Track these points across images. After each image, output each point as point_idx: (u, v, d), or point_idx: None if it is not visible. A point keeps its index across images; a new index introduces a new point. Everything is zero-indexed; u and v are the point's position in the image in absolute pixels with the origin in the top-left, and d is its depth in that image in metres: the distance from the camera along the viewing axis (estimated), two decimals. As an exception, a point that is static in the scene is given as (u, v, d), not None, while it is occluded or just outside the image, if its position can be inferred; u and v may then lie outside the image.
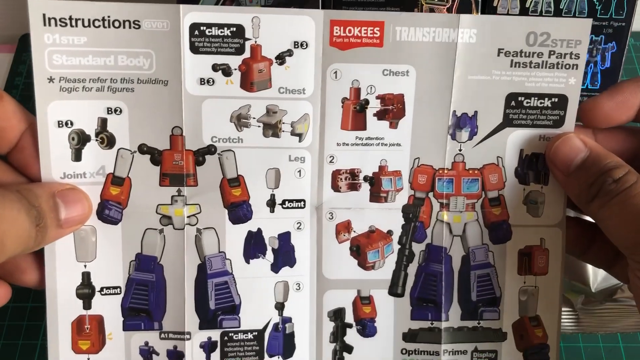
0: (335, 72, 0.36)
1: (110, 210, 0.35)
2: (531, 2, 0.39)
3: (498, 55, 0.35)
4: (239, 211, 0.36)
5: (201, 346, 0.37)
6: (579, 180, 0.35)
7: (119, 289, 0.36)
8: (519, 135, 0.37)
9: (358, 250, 0.37)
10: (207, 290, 0.36)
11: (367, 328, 0.38)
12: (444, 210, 0.37)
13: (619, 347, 0.47)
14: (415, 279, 0.38)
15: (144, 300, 0.36)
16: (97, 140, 0.35)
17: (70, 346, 0.36)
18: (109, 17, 0.33)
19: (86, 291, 0.36)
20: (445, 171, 0.37)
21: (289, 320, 0.38)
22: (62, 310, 0.35)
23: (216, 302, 0.37)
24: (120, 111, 0.35)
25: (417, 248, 0.38)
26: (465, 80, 0.36)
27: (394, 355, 0.38)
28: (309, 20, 0.35)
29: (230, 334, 0.37)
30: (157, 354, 0.37)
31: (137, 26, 0.34)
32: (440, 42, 0.35)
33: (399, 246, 0.38)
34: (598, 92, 0.36)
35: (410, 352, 0.38)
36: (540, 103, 0.36)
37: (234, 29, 0.34)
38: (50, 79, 0.33)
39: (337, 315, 0.38)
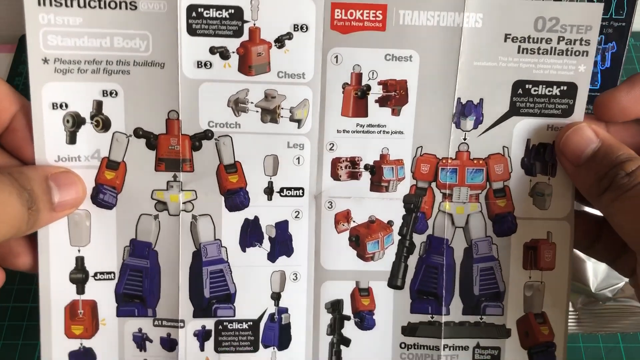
0: (336, 57, 0.35)
1: (104, 194, 0.35)
2: None
3: (505, 40, 0.34)
4: (235, 198, 0.35)
5: (195, 334, 0.36)
6: (589, 172, 0.33)
7: (112, 275, 0.36)
8: (526, 125, 0.35)
9: (357, 241, 0.36)
10: (201, 278, 0.36)
11: (365, 321, 0.37)
12: (447, 200, 0.36)
13: (619, 347, 0.46)
14: (415, 271, 0.37)
15: (138, 287, 0.36)
16: (92, 123, 0.34)
17: (64, 331, 0.35)
18: None
19: (80, 276, 0.35)
20: (449, 161, 0.36)
21: (285, 310, 0.37)
22: (55, 294, 0.35)
23: (211, 291, 0.36)
24: (116, 94, 0.34)
25: (418, 239, 0.37)
26: (470, 67, 0.34)
27: (393, 349, 0.37)
28: (309, 2, 0.34)
29: (224, 323, 0.36)
30: (151, 341, 0.36)
31: (133, 7, 0.33)
32: (445, 27, 0.34)
33: (400, 237, 0.37)
34: (598, 92, 0.36)
35: (410, 346, 0.37)
36: (549, 91, 0.35)
37: (232, 10, 0.34)
38: (45, 60, 0.33)
39: (335, 307, 0.37)
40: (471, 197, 0.36)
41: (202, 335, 0.36)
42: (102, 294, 0.36)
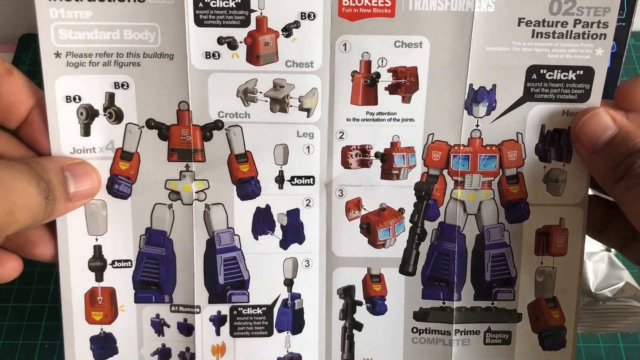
0: (345, 44, 0.34)
1: (119, 184, 0.35)
2: None
3: (518, 25, 0.33)
4: (247, 187, 0.36)
5: (211, 319, 0.37)
6: (605, 159, 0.33)
7: (129, 262, 0.37)
8: (541, 110, 0.35)
9: (368, 228, 0.37)
10: (216, 265, 0.36)
11: (377, 306, 0.38)
12: (459, 188, 0.36)
13: (619, 347, 0.46)
14: (427, 258, 0.37)
15: (154, 274, 0.37)
16: (105, 115, 0.35)
17: (84, 317, 0.37)
18: None
19: (98, 264, 0.36)
20: (461, 147, 0.36)
21: (298, 296, 0.38)
22: (75, 282, 0.36)
23: (225, 277, 0.37)
24: (128, 86, 0.34)
25: (430, 226, 0.37)
26: (483, 52, 0.34)
27: (405, 334, 0.38)
28: None
29: (239, 309, 0.37)
30: (168, 326, 0.37)
31: None
32: (456, 12, 0.33)
33: (411, 224, 0.37)
34: None
35: (421, 331, 0.38)
36: (564, 76, 0.34)
37: (239, 0, 0.33)
38: (57, 54, 0.33)
39: (347, 292, 0.38)
40: (483, 184, 0.36)
41: (217, 320, 0.37)
42: (120, 281, 0.37)
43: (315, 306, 0.38)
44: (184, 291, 0.37)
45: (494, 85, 0.34)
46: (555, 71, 0.34)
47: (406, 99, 0.35)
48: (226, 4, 0.33)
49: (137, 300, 0.37)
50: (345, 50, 0.34)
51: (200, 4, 0.33)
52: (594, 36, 0.33)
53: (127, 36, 0.34)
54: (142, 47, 0.34)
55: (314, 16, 0.34)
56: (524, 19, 0.33)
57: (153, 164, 0.35)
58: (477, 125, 0.35)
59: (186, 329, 0.37)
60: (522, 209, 0.36)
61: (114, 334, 0.37)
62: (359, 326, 0.38)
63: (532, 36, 0.33)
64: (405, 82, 0.35)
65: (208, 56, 0.34)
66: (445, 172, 0.36)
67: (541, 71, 0.34)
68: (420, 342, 0.38)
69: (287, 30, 0.34)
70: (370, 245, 0.37)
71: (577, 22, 0.33)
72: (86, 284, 0.36)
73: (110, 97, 0.35)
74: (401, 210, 0.37)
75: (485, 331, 0.38)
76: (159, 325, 0.37)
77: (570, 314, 0.37)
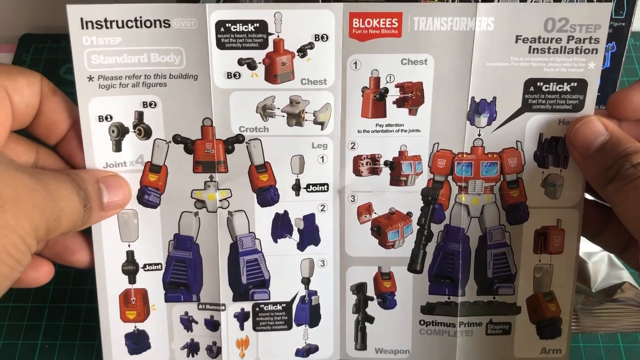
0: (355, 63, 0.37)
1: (149, 195, 0.38)
2: (531, 3, 0.39)
3: (516, 42, 0.36)
4: (266, 195, 0.39)
5: (235, 316, 0.41)
6: (596, 163, 0.35)
7: (160, 266, 0.40)
8: (538, 120, 0.38)
9: (379, 231, 0.40)
10: (239, 267, 0.40)
11: (387, 301, 0.41)
12: (463, 193, 0.39)
13: (619, 347, 0.46)
14: (433, 257, 0.40)
15: (182, 275, 0.40)
16: (134, 132, 0.38)
17: (119, 316, 0.40)
18: (140, 17, 0.35)
19: (131, 267, 0.39)
20: (464, 155, 0.38)
21: (314, 293, 0.41)
22: (110, 285, 0.39)
23: (247, 277, 0.40)
24: (155, 105, 0.37)
25: (436, 229, 0.40)
26: (483, 67, 0.37)
27: (413, 326, 0.41)
28: (329, 13, 0.36)
29: (261, 305, 0.41)
30: (196, 323, 0.41)
31: (167, 25, 0.36)
32: (458, 31, 0.36)
33: (418, 227, 0.40)
34: (598, 92, 0.37)
35: (428, 323, 0.41)
36: (560, 88, 0.37)
37: (257, 24, 0.36)
38: (90, 78, 0.36)
39: (359, 289, 0.41)
40: (485, 189, 0.39)
41: (241, 317, 0.41)
42: (151, 282, 0.40)
43: (330, 302, 0.41)
44: (210, 291, 0.40)
45: (494, 98, 0.37)
46: (551, 83, 0.37)
47: (413, 112, 0.38)
48: (245, 28, 0.36)
49: (167, 299, 0.40)
50: (355, 68, 0.37)
51: (222, 29, 0.36)
52: (586, 51, 0.36)
53: (154, 59, 0.36)
54: (168, 69, 0.37)
55: (327, 38, 0.36)
56: (520, 36, 0.36)
57: (180, 175, 0.38)
58: (479, 135, 0.38)
59: (213, 325, 0.41)
60: (522, 211, 0.39)
61: (147, 331, 0.41)
62: (370, 319, 0.41)
63: (529, 52, 0.36)
64: (411, 96, 0.38)
65: (229, 76, 0.37)
66: (450, 178, 0.39)
67: (538, 84, 0.37)
68: (427, 333, 0.41)
69: (302, 51, 0.37)
70: (380, 246, 0.40)
71: (570, 38, 0.36)
72: (120, 286, 0.40)
73: (140, 115, 0.38)
74: (409, 214, 0.40)
75: (487, 323, 0.41)
76: (187, 322, 0.41)
77: (566, 306, 0.40)
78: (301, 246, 0.40)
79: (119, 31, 0.36)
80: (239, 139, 0.38)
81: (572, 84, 0.37)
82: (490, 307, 0.41)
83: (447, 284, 0.40)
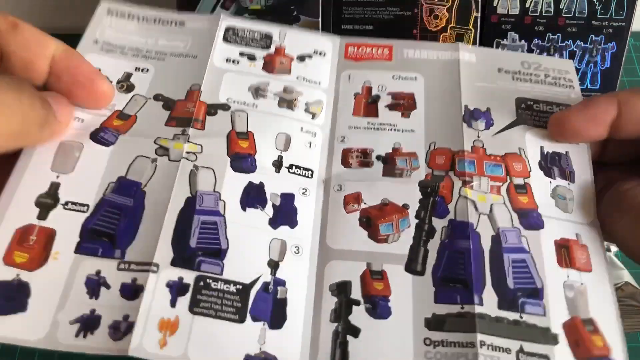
0: (349, 75, 0.39)
1: (105, 133, 0.33)
2: (531, 2, 0.43)
3: (499, 72, 0.39)
4: (242, 162, 0.33)
5: (168, 285, 0.28)
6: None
7: (86, 207, 0.30)
8: (537, 133, 0.36)
9: (368, 222, 0.33)
10: (191, 226, 0.30)
11: (378, 307, 0.30)
12: (467, 187, 0.34)
13: None
14: (437, 257, 0.32)
15: (111, 224, 0.30)
16: (117, 86, 0.35)
17: (3, 254, 0.28)
18: (160, 18, 0.39)
19: (48, 201, 0.30)
20: (466, 153, 0.35)
21: (282, 283, 0.30)
22: (12, 212, 0.29)
23: (198, 241, 0.30)
24: (147, 71, 0.36)
25: (439, 224, 0.33)
26: (472, 86, 0.38)
27: (415, 345, 0.29)
28: (327, 41, 0.40)
29: (207, 280, 0.29)
30: (108, 287, 0.28)
31: (182, 25, 0.39)
32: (444, 60, 0.40)
33: (417, 221, 0.33)
34: (598, 92, 0.37)
35: (437, 344, 0.29)
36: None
37: (263, 34, 0.39)
38: (96, 41, 0.37)
39: (341, 289, 0.30)
40: (492, 188, 0.34)
41: (176, 288, 0.28)
42: (66, 225, 0.29)
43: (301, 300, 0.30)
44: (143, 247, 0.29)
45: (488, 108, 0.37)
46: (541, 104, 0.38)
47: (406, 115, 0.37)
48: (252, 34, 0.39)
49: (79, 250, 0.29)
50: (349, 79, 0.39)
51: (230, 31, 0.39)
52: (564, 86, 0.39)
53: (161, 43, 0.38)
54: (172, 50, 0.37)
55: (325, 54, 0.39)
56: (502, 68, 0.39)
57: (149, 125, 0.34)
58: (479, 137, 0.36)
59: (132, 292, 0.28)
60: (535, 217, 0.34)
61: (31, 285, 0.27)
62: (355, 331, 0.29)
63: (513, 79, 0.39)
64: (403, 103, 0.38)
65: (228, 61, 0.38)
66: (451, 173, 0.35)
67: (528, 102, 0.38)
68: (435, 357, 0.29)
69: (302, 59, 0.39)
70: (370, 239, 0.32)
71: (547, 75, 0.39)
72: (24, 218, 0.29)
73: (127, 75, 0.36)
74: (405, 206, 0.33)
75: (517, 350, 0.29)
76: (95, 285, 0.28)
77: (617, 343, 0.30)
78: (274, 223, 0.32)
79: (137, 22, 0.38)
80: (224, 106, 0.36)
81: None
82: (518, 328, 0.30)
83: (458, 290, 0.31)
